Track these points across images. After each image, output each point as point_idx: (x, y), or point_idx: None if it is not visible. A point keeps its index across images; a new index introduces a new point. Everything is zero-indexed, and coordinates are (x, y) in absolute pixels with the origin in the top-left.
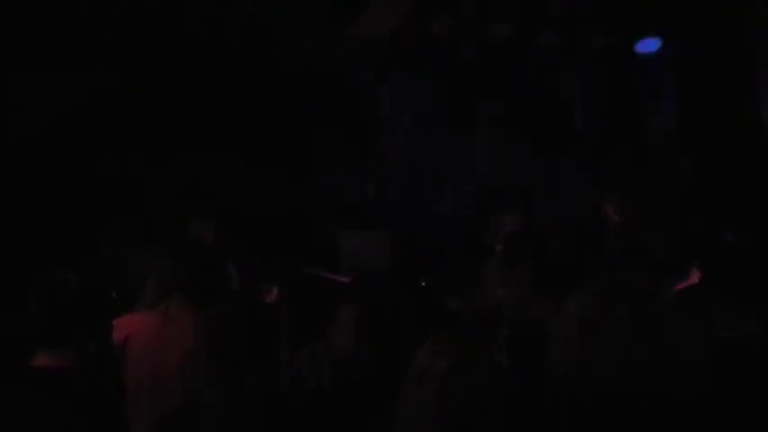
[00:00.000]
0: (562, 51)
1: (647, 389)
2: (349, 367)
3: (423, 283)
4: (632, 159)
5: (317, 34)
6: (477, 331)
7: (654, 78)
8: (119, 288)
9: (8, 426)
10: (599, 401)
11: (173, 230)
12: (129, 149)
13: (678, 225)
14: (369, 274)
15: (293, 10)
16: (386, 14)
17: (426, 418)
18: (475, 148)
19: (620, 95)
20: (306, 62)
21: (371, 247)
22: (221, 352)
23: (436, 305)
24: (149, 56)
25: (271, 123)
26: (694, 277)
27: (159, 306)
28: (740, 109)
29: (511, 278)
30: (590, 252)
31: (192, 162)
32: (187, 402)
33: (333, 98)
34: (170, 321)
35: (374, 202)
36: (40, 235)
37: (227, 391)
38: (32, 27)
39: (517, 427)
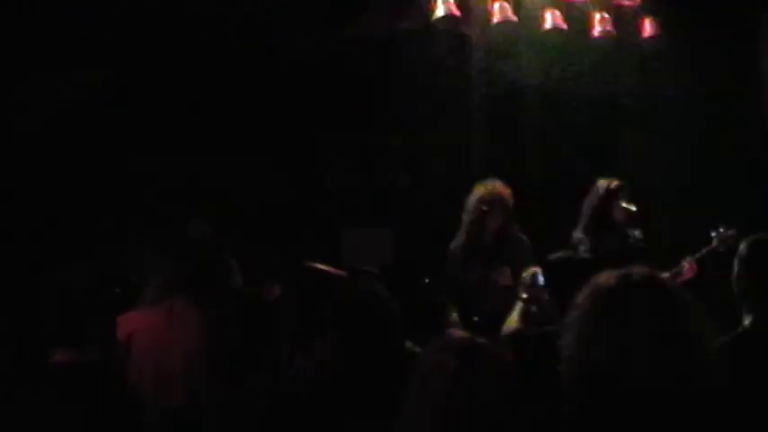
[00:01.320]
0: None
1: (661, 386)
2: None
3: (426, 281)
4: (631, 156)
5: (317, 34)
6: (485, 330)
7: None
8: (122, 285)
9: (28, 424)
10: (613, 400)
11: (176, 229)
12: (130, 149)
13: (680, 220)
14: (355, 271)
15: (293, 10)
16: (386, 14)
17: (431, 420)
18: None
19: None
20: (306, 62)
21: (374, 244)
22: (226, 352)
23: (437, 303)
24: (149, 55)
25: (272, 122)
26: (690, 271)
27: (163, 304)
28: (743, 102)
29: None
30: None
31: (193, 161)
32: (190, 402)
33: (334, 97)
34: (174, 320)
35: (377, 199)
36: (42, 234)
37: (231, 391)
38: (32, 27)
39: (525, 428)
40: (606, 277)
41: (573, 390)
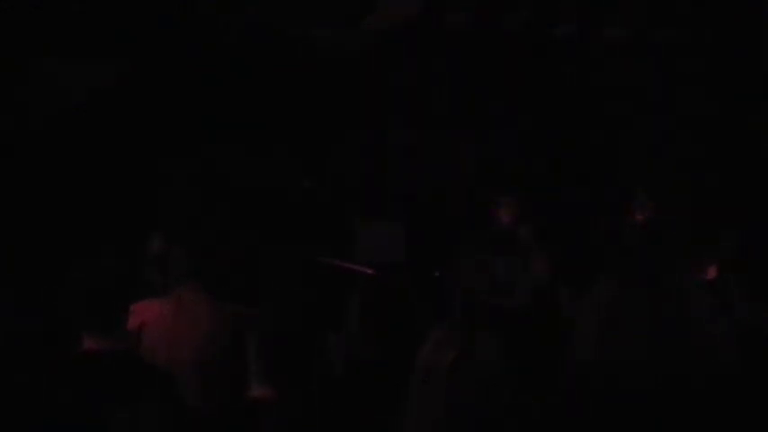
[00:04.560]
0: (579, 43)
1: (673, 384)
2: (356, 356)
3: (436, 274)
4: (650, 153)
5: (329, 27)
6: (483, 321)
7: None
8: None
9: (57, 409)
10: (623, 396)
11: (186, 219)
12: (143, 141)
13: (697, 218)
14: (381, 265)
15: (305, 3)
16: (398, 8)
17: (434, 415)
18: (479, 144)
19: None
20: (319, 54)
21: (386, 238)
22: (238, 342)
23: (448, 295)
24: (157, 51)
25: (288, 114)
26: (713, 270)
27: (173, 294)
28: (746, 102)
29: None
30: (605, 247)
31: (203, 157)
32: (204, 392)
33: (346, 90)
34: (184, 309)
35: (382, 196)
36: (52, 230)
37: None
38: (34, 25)
39: (528, 421)
40: (608, 279)
41: (579, 388)
